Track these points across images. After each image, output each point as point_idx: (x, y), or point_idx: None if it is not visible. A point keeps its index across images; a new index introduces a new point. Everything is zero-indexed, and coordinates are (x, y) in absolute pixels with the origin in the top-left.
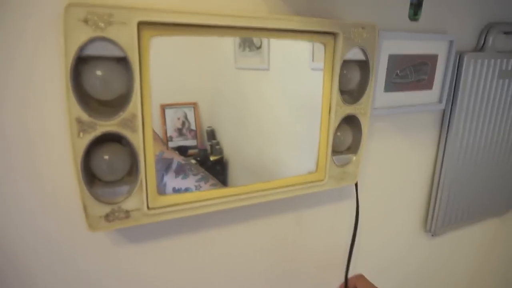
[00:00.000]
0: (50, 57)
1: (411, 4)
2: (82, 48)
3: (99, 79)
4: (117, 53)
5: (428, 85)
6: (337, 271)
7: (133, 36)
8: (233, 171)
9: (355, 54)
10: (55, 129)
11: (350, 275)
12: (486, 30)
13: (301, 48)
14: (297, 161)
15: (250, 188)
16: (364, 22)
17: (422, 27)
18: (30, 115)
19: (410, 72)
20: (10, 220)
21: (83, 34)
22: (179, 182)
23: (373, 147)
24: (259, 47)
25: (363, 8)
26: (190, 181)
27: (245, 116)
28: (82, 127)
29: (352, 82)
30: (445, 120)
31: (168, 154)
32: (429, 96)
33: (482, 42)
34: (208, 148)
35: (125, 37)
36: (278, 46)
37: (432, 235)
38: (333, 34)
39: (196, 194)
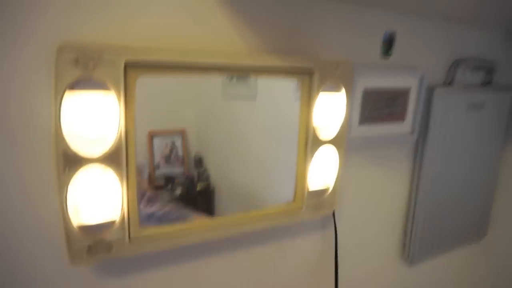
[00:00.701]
0: (41, 89)
1: (384, 42)
2: (71, 86)
3: (85, 114)
4: (104, 91)
5: (401, 117)
6: None
7: (120, 76)
8: (220, 198)
9: (331, 88)
10: (42, 162)
11: None
12: (454, 66)
13: (287, 82)
14: (280, 189)
15: (229, 219)
16: (339, 60)
17: (394, 63)
18: (18, 146)
19: (384, 106)
20: None
21: (72, 74)
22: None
23: (350, 177)
24: (246, 77)
25: (339, 46)
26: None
27: (232, 143)
28: (68, 161)
29: (327, 115)
30: (418, 150)
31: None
32: (402, 127)
33: (451, 77)
34: (195, 175)
35: (112, 78)
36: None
37: (410, 263)
38: (310, 71)
39: (178, 226)
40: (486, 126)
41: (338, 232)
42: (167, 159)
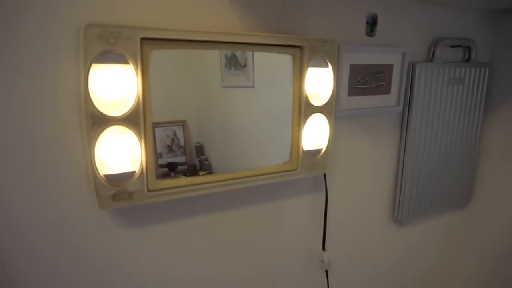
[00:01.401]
0: (67, 61)
1: (367, 23)
2: (96, 58)
3: (108, 82)
4: (123, 62)
5: (387, 90)
6: (315, 256)
7: (137, 49)
8: None
9: (319, 63)
10: (71, 123)
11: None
12: (434, 44)
13: (283, 67)
14: (277, 158)
15: (235, 174)
16: (325, 38)
17: (378, 41)
18: (50, 111)
19: (370, 79)
20: (27, 201)
21: (97, 47)
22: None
23: (342, 145)
24: (244, 66)
25: (327, 26)
26: None
27: (232, 131)
28: (95, 121)
29: (317, 86)
30: (404, 121)
31: None
32: (388, 100)
33: (431, 54)
34: (197, 164)
35: (130, 50)
36: (262, 65)
37: (400, 224)
38: (300, 47)
39: (189, 179)
40: (466, 99)
41: (329, 195)
42: (169, 148)
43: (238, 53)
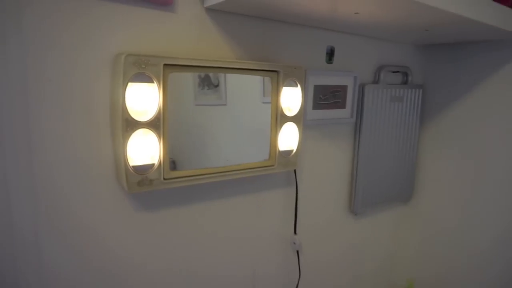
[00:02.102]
0: (104, 80)
1: (327, 53)
2: (131, 78)
3: (138, 97)
4: (150, 82)
5: (343, 105)
6: (288, 239)
7: (160, 72)
8: None
9: (291, 84)
10: (105, 126)
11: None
12: (379, 69)
13: (254, 86)
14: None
15: (228, 168)
16: (296, 64)
17: (335, 67)
18: (89, 117)
19: (330, 97)
20: (64, 186)
21: (132, 71)
22: None
23: (308, 147)
24: (217, 86)
25: (297, 55)
26: None
27: (205, 147)
28: (128, 125)
29: (289, 101)
30: (357, 130)
31: None
32: (344, 113)
33: (377, 77)
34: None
35: (155, 73)
36: (233, 84)
37: (356, 214)
38: (276, 72)
39: (193, 171)
40: (405, 113)
41: (299, 188)
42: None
43: (211, 74)
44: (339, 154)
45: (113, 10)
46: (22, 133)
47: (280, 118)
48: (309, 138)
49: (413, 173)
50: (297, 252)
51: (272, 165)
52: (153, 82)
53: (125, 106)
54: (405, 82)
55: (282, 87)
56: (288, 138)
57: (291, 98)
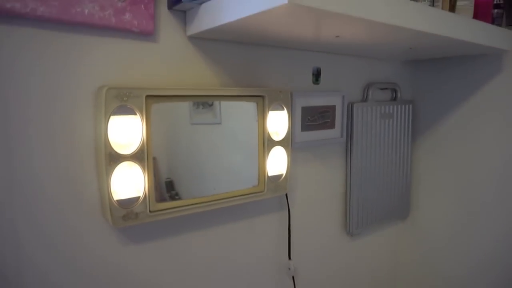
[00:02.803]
0: (86, 113)
1: (313, 74)
2: (113, 111)
3: (121, 130)
4: (133, 114)
5: (332, 125)
6: (283, 265)
7: (143, 104)
8: None
9: (277, 107)
10: (90, 160)
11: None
12: (367, 87)
13: (248, 104)
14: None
15: (214, 196)
16: (281, 88)
17: (322, 87)
18: (72, 151)
19: (318, 117)
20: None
21: (114, 104)
22: None
23: (299, 170)
24: (211, 105)
25: (282, 78)
26: None
27: (201, 165)
28: (111, 158)
29: (276, 125)
30: (348, 149)
31: None
32: (334, 133)
33: (366, 95)
34: (167, 198)
35: (138, 105)
36: (227, 103)
37: (351, 236)
38: (262, 96)
39: (181, 201)
40: (396, 130)
41: (291, 212)
42: None
43: None
44: (331, 175)
45: (94, 43)
46: (4, 170)
47: (267, 143)
48: (300, 160)
49: (408, 189)
50: (293, 277)
51: (262, 191)
52: (136, 114)
53: (108, 140)
54: (394, 99)
55: (268, 112)
56: (277, 162)
57: (278, 122)
